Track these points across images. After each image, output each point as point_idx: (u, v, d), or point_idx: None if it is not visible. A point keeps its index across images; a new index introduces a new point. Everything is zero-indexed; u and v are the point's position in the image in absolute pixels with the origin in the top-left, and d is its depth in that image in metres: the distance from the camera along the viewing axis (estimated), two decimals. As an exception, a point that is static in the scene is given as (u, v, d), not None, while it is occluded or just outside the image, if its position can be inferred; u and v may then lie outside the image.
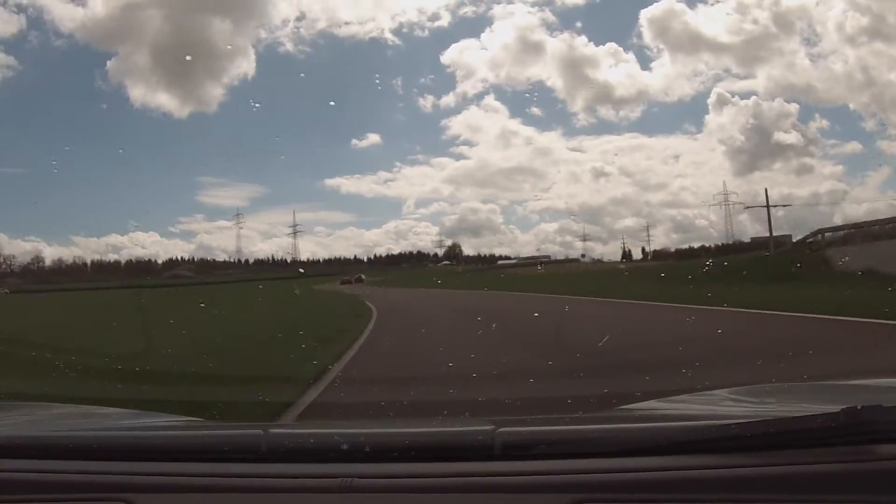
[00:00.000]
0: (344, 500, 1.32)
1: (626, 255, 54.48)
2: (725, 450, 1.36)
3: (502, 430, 1.44)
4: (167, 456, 1.47)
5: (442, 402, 5.48)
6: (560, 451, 1.41)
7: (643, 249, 54.45)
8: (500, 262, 54.60)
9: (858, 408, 1.30)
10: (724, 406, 2.15)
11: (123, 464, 1.44)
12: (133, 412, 2.36)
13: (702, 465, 1.34)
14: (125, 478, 1.40)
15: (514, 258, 54.03)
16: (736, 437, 1.37)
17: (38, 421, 2.14)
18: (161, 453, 1.48)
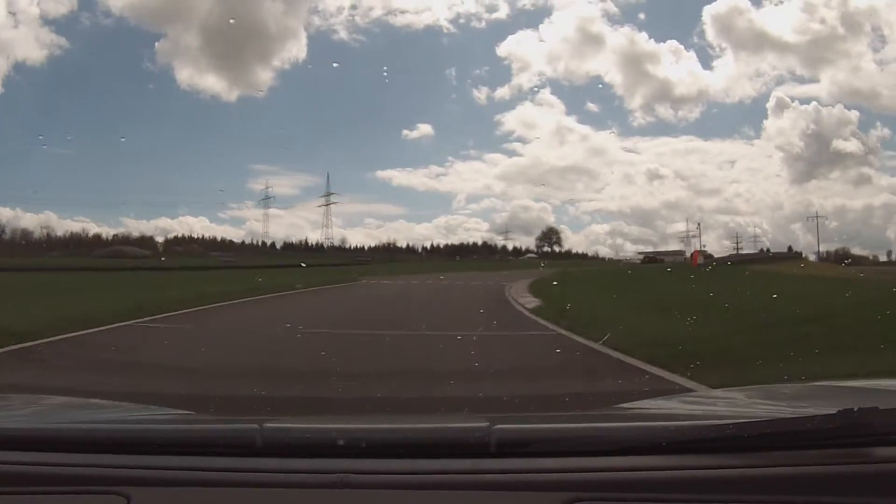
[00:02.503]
0: (340, 495, 1.32)
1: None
2: (722, 450, 1.36)
3: (498, 427, 1.44)
4: (163, 449, 1.47)
5: (441, 398, 5.47)
6: (556, 449, 1.41)
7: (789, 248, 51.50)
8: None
9: (855, 410, 1.30)
10: (721, 406, 2.15)
11: (119, 457, 1.44)
12: (128, 405, 2.36)
13: (698, 464, 1.34)
14: (121, 471, 1.40)
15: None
16: (733, 438, 1.37)
17: (34, 413, 2.14)
18: (157, 447, 1.48)
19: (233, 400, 5.35)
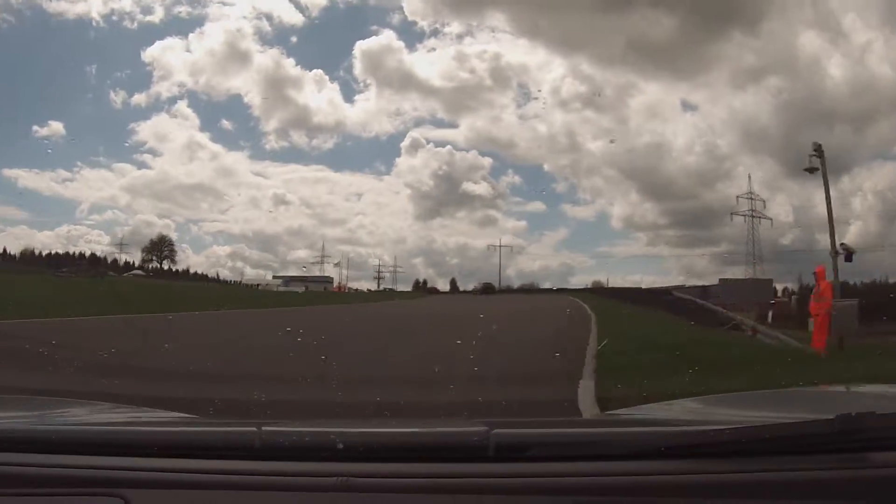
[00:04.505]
0: (339, 498, 1.32)
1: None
2: (720, 455, 1.36)
3: (497, 431, 1.44)
4: (161, 452, 1.47)
5: (439, 403, 5.48)
6: (554, 454, 1.41)
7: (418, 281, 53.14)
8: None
9: (853, 415, 1.30)
10: (720, 411, 2.15)
11: (118, 459, 1.44)
12: (126, 407, 2.36)
13: (696, 469, 1.34)
14: (119, 473, 1.40)
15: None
16: (731, 443, 1.37)
17: (33, 414, 2.14)
18: (155, 449, 1.48)
19: (232, 403, 5.40)
